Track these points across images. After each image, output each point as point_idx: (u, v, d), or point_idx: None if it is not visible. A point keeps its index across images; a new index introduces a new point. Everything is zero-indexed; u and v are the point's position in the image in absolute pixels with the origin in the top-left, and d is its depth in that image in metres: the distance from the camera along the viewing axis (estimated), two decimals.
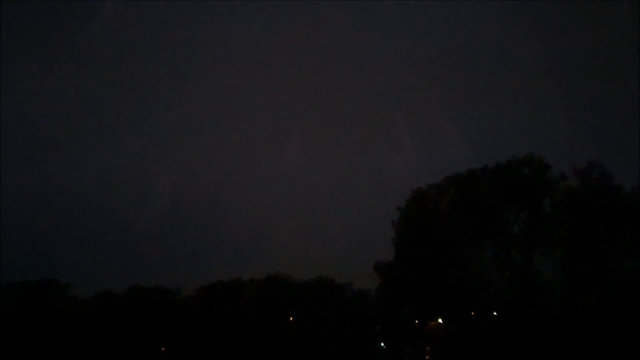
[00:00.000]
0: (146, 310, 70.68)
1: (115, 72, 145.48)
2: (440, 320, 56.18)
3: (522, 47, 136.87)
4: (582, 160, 48.11)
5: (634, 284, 44.54)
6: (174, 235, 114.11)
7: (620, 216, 46.12)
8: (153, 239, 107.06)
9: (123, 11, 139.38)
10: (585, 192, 46.94)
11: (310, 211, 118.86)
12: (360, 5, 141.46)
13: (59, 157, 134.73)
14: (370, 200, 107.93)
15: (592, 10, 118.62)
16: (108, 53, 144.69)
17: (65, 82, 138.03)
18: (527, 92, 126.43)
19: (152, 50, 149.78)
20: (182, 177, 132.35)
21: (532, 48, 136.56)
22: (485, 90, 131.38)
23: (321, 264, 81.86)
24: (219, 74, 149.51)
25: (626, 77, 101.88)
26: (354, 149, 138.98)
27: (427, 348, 57.96)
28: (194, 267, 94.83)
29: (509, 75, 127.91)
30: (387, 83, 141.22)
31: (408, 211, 53.08)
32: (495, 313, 51.61)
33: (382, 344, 64.92)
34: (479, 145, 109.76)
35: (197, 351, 69.03)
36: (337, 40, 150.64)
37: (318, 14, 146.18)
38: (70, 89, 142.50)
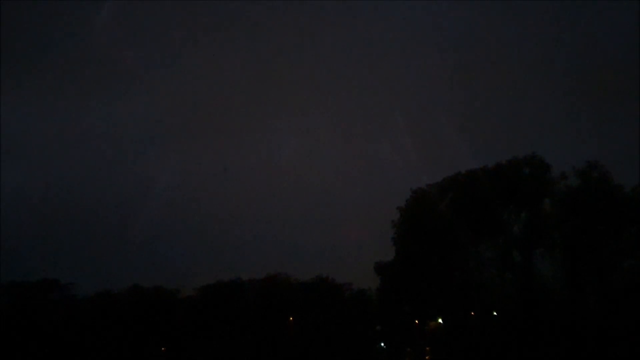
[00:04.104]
0: (146, 310, 70.69)
1: (115, 71, 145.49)
2: (440, 320, 56.18)
3: (523, 47, 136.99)
4: (582, 160, 48.19)
5: (634, 284, 44.56)
6: (173, 235, 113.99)
7: (620, 216, 46.13)
8: (153, 239, 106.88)
9: (123, 11, 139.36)
10: (585, 192, 46.95)
11: (310, 211, 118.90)
12: (360, 4, 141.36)
13: (58, 157, 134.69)
14: (370, 200, 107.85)
15: (592, 10, 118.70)
16: (106, 52, 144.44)
17: (65, 82, 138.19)
18: (528, 92, 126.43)
19: (152, 50, 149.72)
20: (182, 178, 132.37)
21: (532, 48, 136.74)
22: (485, 90, 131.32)
23: (321, 264, 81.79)
24: (218, 74, 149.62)
25: (626, 77, 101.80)
26: (353, 148, 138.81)
27: (427, 348, 57.95)
28: (194, 267, 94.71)
29: (509, 75, 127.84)
30: (387, 82, 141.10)
31: (408, 211, 53.06)
32: (495, 313, 51.61)
33: (382, 344, 64.94)
34: (479, 145, 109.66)
35: (197, 351, 69.04)
36: (336, 39, 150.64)
37: (319, 13, 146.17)
38: (70, 88, 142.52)
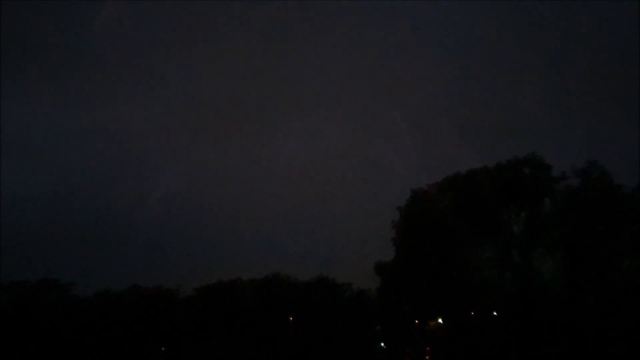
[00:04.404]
0: (146, 310, 70.67)
1: (114, 72, 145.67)
2: (440, 320, 56.17)
3: (523, 47, 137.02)
4: (582, 160, 48.19)
5: (634, 284, 44.54)
6: (174, 235, 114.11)
7: (620, 216, 46.10)
8: (153, 239, 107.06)
9: (123, 11, 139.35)
10: (585, 192, 46.93)
11: (310, 211, 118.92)
12: (360, 4, 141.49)
13: (58, 157, 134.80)
14: (370, 200, 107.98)
15: (592, 10, 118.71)
16: (107, 52, 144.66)
17: (64, 81, 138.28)
18: (528, 92, 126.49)
19: (151, 50, 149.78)
20: (182, 178, 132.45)
21: (532, 48, 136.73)
22: (485, 91, 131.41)
23: (321, 264, 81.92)
24: (218, 74, 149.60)
25: (626, 77, 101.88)
26: (353, 148, 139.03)
27: (427, 348, 57.94)
28: (193, 267, 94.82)
29: (509, 75, 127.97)
30: (388, 83, 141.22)
31: (408, 211, 53.07)
32: (495, 313, 51.60)
33: (382, 344, 64.93)
34: (479, 145, 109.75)
35: (197, 351, 69.03)
36: (336, 39, 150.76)
37: (319, 15, 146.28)
38: (70, 88, 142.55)
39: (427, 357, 58.11)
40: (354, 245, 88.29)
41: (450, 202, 51.36)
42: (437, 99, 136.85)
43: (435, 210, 51.75)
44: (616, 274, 46.40)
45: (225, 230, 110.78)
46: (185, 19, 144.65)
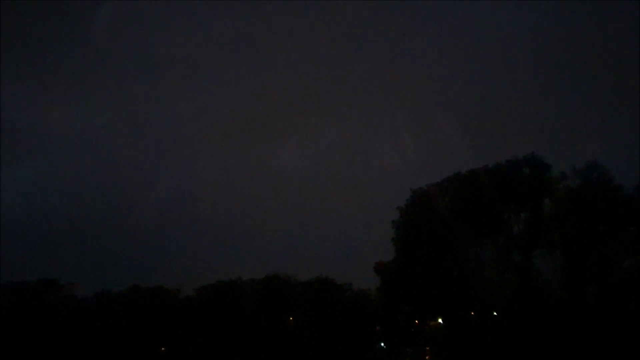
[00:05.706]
0: (146, 310, 70.68)
1: (114, 72, 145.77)
2: (440, 320, 56.19)
3: (523, 47, 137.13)
4: (582, 160, 48.19)
5: (634, 284, 44.54)
6: (173, 235, 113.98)
7: (620, 216, 46.10)
8: (153, 239, 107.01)
9: (122, 12, 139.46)
10: (585, 192, 46.94)
11: (310, 211, 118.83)
12: (360, 5, 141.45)
13: (58, 157, 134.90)
14: (370, 200, 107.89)
15: (592, 10, 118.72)
16: (106, 53, 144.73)
17: (63, 81, 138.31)
18: (527, 92, 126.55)
19: (150, 51, 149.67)
20: (182, 177, 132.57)
21: (532, 48, 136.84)
22: (485, 90, 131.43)
23: (321, 264, 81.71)
24: (217, 74, 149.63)
25: (626, 77, 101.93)
26: (353, 148, 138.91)
27: (427, 348, 57.96)
28: (194, 267, 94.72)
29: (509, 74, 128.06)
30: (388, 83, 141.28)
31: (408, 211, 53.08)
32: (495, 313, 51.61)
33: (382, 344, 64.94)
34: (479, 145, 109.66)
35: (196, 351, 69.04)
36: (336, 39, 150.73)
37: (319, 14, 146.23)
38: (69, 88, 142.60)
39: (427, 357, 58.13)
40: (354, 245, 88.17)
41: (450, 202, 51.38)
42: (437, 99, 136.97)
43: (435, 210, 51.77)
44: (616, 274, 46.40)
45: (225, 231, 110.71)
46: (186, 20, 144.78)
